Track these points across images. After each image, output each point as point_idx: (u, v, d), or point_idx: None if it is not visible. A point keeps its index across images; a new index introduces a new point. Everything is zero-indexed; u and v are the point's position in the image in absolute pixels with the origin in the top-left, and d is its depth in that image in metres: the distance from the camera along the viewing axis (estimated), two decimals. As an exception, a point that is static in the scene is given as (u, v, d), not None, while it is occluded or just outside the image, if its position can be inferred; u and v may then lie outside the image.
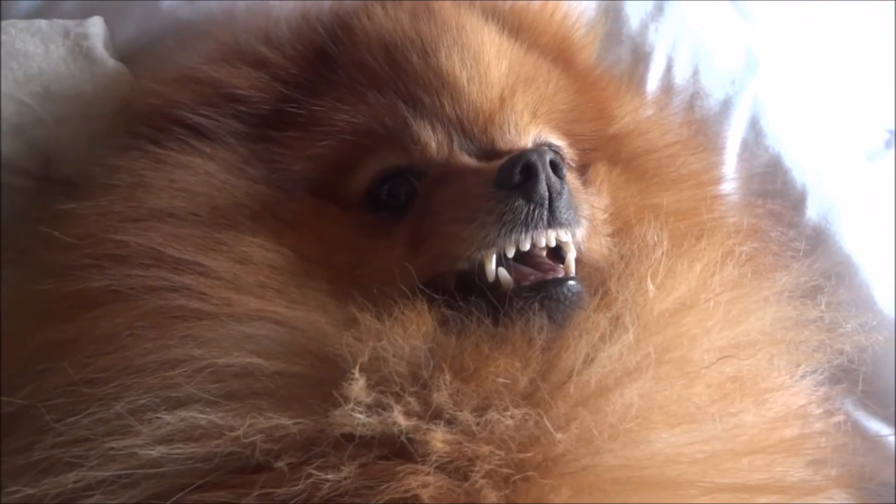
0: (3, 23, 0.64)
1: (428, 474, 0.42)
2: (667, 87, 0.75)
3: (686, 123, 0.72)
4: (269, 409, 0.43)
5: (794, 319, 0.57)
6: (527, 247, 0.48)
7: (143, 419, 0.44)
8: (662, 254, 0.52)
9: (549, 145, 0.57)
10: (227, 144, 0.55)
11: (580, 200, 0.52)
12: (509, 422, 0.43)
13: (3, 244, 0.59)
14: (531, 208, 0.48)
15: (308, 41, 0.60)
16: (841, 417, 0.61)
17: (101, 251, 0.50)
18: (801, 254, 0.70)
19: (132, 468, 0.43)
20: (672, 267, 0.51)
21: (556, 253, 0.50)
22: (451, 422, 0.43)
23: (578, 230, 0.51)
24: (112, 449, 0.43)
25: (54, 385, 0.47)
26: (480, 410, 0.43)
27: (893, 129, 1.01)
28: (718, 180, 0.71)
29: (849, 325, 0.59)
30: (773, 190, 0.74)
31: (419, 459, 0.42)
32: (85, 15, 0.66)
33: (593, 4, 0.75)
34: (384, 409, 0.43)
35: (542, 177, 0.48)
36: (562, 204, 0.49)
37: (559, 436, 0.43)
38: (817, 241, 0.73)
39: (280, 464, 0.42)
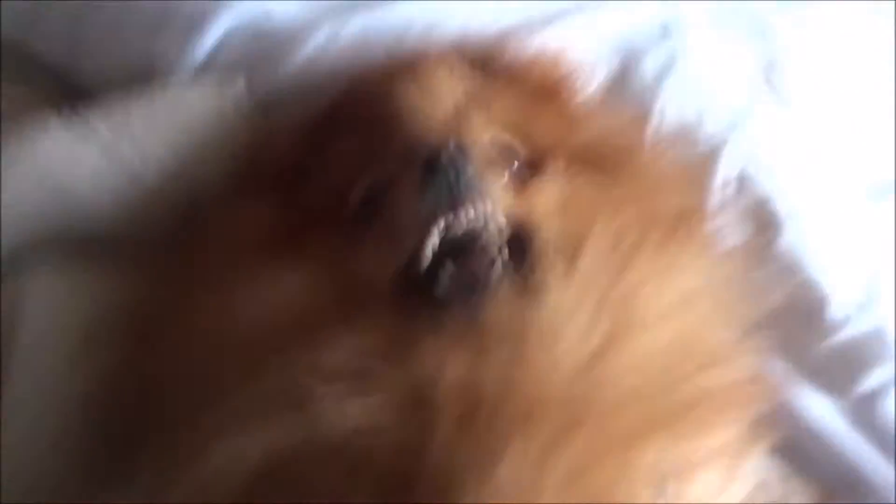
0: (176, 79, 0.89)
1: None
2: (661, 134, 0.90)
3: (678, 164, 0.87)
4: (279, 420, 0.52)
5: (730, 289, 0.66)
6: (449, 219, 0.57)
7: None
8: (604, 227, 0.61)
9: (499, 142, 0.67)
10: (268, 197, 0.71)
11: (493, 175, 0.61)
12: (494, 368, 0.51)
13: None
14: (439, 182, 0.57)
15: (327, 111, 0.77)
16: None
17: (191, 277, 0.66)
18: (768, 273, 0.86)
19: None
20: (609, 239, 0.61)
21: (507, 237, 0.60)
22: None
23: (494, 199, 0.59)
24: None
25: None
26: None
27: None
28: (682, 184, 0.82)
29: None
30: (754, 222, 0.87)
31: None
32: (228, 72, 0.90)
33: (607, 65, 0.93)
34: (351, 402, 0.50)
35: (443, 158, 0.58)
36: (467, 175, 0.58)
37: (532, 375, 0.51)
38: (785, 265, 0.86)
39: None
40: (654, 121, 0.92)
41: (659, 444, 0.52)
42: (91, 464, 0.60)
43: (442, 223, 0.57)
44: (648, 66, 0.95)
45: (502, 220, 0.60)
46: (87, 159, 0.84)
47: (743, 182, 0.91)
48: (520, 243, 0.60)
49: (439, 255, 0.57)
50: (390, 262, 0.59)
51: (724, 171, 0.91)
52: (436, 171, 0.58)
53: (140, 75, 0.92)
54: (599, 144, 0.77)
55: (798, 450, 0.76)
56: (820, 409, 0.82)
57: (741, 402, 0.60)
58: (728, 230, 0.89)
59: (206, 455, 0.52)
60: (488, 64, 0.80)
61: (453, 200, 0.58)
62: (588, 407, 0.52)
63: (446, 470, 0.48)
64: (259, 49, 0.91)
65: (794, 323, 0.83)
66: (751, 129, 0.94)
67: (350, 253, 0.61)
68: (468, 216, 0.58)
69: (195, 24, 0.91)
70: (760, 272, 0.84)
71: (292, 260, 0.62)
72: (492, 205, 0.59)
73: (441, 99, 0.69)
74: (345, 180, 0.65)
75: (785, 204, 0.90)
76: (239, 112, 0.87)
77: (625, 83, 0.95)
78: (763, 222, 0.90)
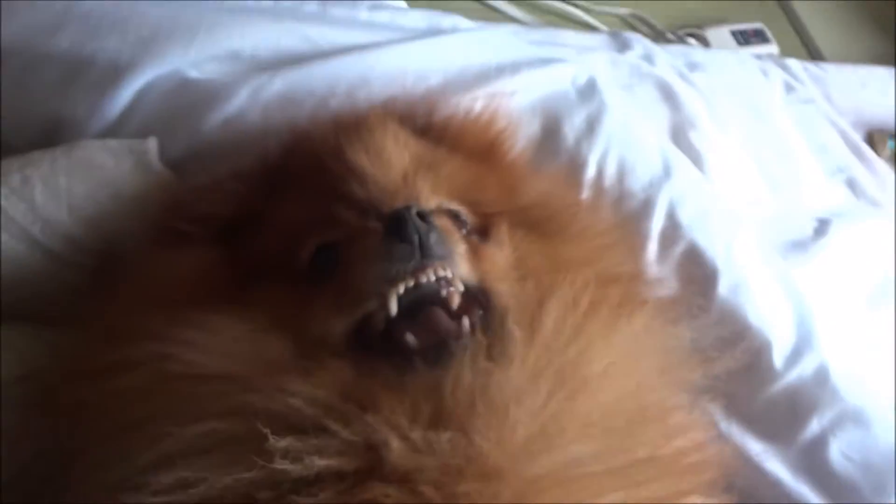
0: (83, 141, 0.84)
1: (388, 485, 0.49)
2: (598, 189, 0.92)
3: (615, 219, 0.88)
4: (229, 463, 0.51)
5: (672, 343, 0.67)
6: (412, 283, 0.58)
7: (149, 474, 0.51)
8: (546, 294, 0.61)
9: (448, 210, 0.68)
10: (203, 247, 0.71)
11: (451, 239, 0.62)
12: (444, 443, 0.50)
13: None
14: (405, 247, 0.58)
15: (263, 162, 0.77)
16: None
17: (114, 333, 0.63)
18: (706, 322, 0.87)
19: None
20: (557, 306, 0.61)
21: (467, 303, 0.61)
22: (403, 438, 0.51)
23: (454, 263, 0.60)
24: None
25: (89, 437, 0.57)
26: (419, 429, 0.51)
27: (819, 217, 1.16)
28: (623, 237, 0.82)
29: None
30: (691, 270, 0.89)
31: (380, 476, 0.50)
32: (145, 135, 0.85)
33: (535, 125, 0.94)
34: (302, 456, 0.50)
35: (409, 222, 0.58)
36: (431, 241, 0.58)
37: (485, 446, 0.50)
38: (724, 313, 0.87)
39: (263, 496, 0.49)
40: (585, 178, 0.93)
41: None
42: None
43: (405, 284, 0.58)
44: (572, 127, 0.97)
45: (462, 285, 0.61)
46: None
47: (676, 232, 0.92)
48: (478, 307, 0.61)
49: (400, 316, 0.58)
50: (346, 319, 0.59)
51: (658, 223, 0.92)
52: (401, 233, 0.59)
53: (46, 134, 0.87)
54: (539, 207, 0.78)
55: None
56: (766, 460, 0.82)
57: (693, 468, 0.59)
58: (665, 282, 0.89)
59: (142, 484, 0.51)
60: (426, 125, 0.81)
61: (418, 262, 0.59)
62: (539, 480, 0.51)
63: None
64: (176, 107, 0.88)
65: (737, 372, 0.83)
66: (677, 183, 0.95)
67: (301, 308, 0.61)
68: (431, 278, 0.59)
69: (109, 80, 0.86)
70: (700, 323, 0.85)
71: (237, 310, 0.61)
72: (454, 268, 0.60)
73: (389, 161, 0.69)
74: (292, 237, 0.66)
75: (717, 253, 0.92)
76: (150, 172, 0.82)
77: (549, 143, 0.96)
78: (699, 273, 0.91)
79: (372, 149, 0.70)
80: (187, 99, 0.87)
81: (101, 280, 0.75)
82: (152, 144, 0.84)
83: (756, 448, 0.83)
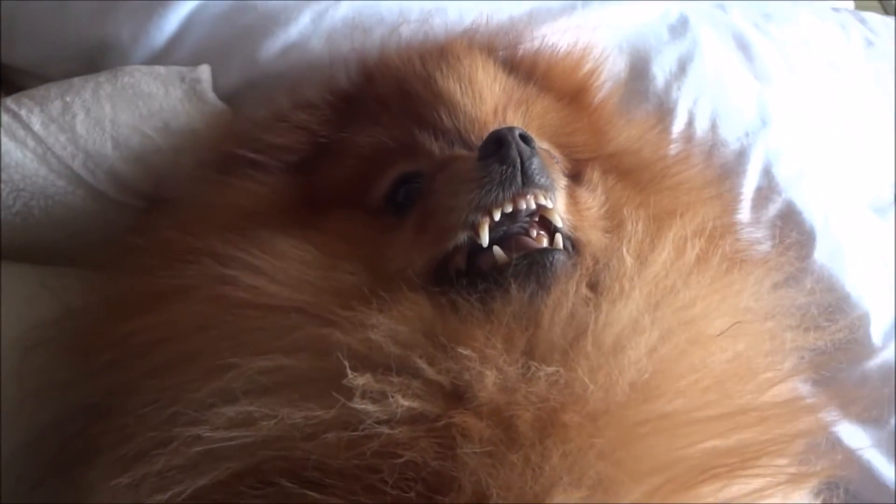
0: (129, 67, 0.75)
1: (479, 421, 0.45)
2: (689, 138, 0.83)
3: (707, 168, 0.80)
4: (300, 400, 0.47)
5: (783, 304, 0.61)
6: (509, 208, 0.53)
7: (206, 409, 0.48)
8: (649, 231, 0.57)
9: (541, 147, 0.62)
10: (272, 175, 0.65)
11: (553, 170, 0.57)
12: (545, 378, 0.46)
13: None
14: (505, 169, 0.53)
15: (334, 90, 0.70)
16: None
17: (171, 254, 0.57)
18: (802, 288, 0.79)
19: (199, 454, 0.47)
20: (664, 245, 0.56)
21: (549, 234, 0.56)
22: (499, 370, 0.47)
23: (555, 196, 0.55)
24: (185, 437, 0.47)
25: (138, 375, 0.53)
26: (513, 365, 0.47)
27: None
28: (719, 194, 0.75)
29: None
30: (788, 231, 0.79)
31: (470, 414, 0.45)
32: (196, 63, 0.76)
33: (622, 64, 0.84)
34: (385, 396, 0.46)
35: (513, 144, 0.53)
36: (534, 166, 0.53)
37: (591, 387, 0.46)
38: (822, 279, 0.79)
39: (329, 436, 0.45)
40: (678, 125, 0.84)
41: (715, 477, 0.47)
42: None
43: (503, 209, 0.53)
44: (661, 67, 0.87)
45: (562, 219, 0.56)
46: (18, 161, 0.69)
47: (772, 189, 0.83)
48: (577, 247, 0.57)
49: (495, 243, 0.53)
50: (430, 252, 0.55)
51: (753, 179, 0.83)
52: (502, 155, 0.53)
53: (86, 64, 0.77)
54: (630, 154, 0.72)
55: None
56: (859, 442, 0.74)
57: (793, 429, 0.54)
58: (761, 241, 0.81)
59: (200, 418, 0.47)
60: (513, 59, 0.74)
61: (518, 188, 0.53)
62: (640, 426, 0.47)
63: (480, 479, 0.43)
64: (230, 32, 0.78)
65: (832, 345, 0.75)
66: (774, 135, 0.85)
67: (378, 239, 0.58)
68: (531, 206, 0.54)
69: (155, 4, 0.77)
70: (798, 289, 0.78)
71: (308, 235, 0.58)
72: (555, 201, 0.56)
73: (481, 93, 0.65)
74: (370, 166, 0.63)
75: (815, 216, 0.83)
76: (204, 103, 0.73)
77: (637, 85, 0.86)
78: (795, 236, 0.82)
79: (463, 78, 0.65)
80: (243, 23, 0.78)
81: (150, 222, 0.67)
82: (206, 72, 0.75)
83: (848, 429, 0.75)
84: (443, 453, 0.44)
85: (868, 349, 0.78)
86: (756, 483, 0.49)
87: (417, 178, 0.60)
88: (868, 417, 0.76)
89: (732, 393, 0.51)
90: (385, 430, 0.45)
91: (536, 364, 0.47)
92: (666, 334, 0.51)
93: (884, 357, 0.78)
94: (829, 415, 0.73)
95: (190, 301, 0.54)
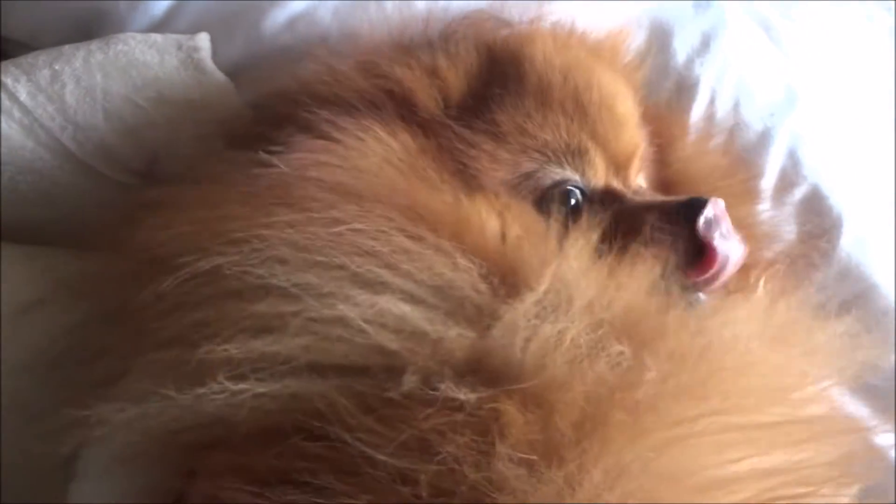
0: (122, 35, 0.69)
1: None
2: (709, 118, 0.77)
3: (722, 151, 0.75)
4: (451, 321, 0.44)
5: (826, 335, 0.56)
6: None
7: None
8: None
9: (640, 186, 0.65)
10: (408, 130, 0.58)
11: None
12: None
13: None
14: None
15: (480, 60, 0.63)
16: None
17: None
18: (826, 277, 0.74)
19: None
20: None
21: None
22: None
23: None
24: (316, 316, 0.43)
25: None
26: None
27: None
28: (756, 200, 0.73)
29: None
30: (812, 218, 0.75)
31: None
32: (193, 32, 0.71)
33: (642, 37, 0.79)
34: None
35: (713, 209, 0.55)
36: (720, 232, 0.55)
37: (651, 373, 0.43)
38: (848, 268, 0.74)
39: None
40: (699, 103, 0.78)
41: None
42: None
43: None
44: (683, 42, 0.80)
45: None
46: (4, 133, 0.64)
47: (797, 172, 0.77)
48: None
49: None
50: None
51: (777, 160, 0.77)
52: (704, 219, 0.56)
53: (81, 33, 0.72)
54: (682, 171, 0.70)
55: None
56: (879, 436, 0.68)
57: (832, 438, 0.51)
58: (785, 227, 0.75)
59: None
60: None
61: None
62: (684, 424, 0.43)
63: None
64: (234, 2, 0.72)
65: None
66: (801, 115, 0.79)
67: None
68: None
69: (152, -28, 0.71)
70: (820, 278, 0.73)
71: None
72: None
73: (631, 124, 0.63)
74: (528, 160, 0.59)
75: (842, 201, 0.77)
76: (202, 72, 0.67)
77: (656, 60, 0.79)
78: (820, 221, 0.76)
79: (626, 101, 0.63)
80: (244, -6, 0.72)
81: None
82: (205, 41, 0.69)
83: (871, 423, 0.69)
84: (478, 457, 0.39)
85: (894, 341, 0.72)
86: None
87: (575, 190, 0.59)
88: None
89: (781, 400, 0.49)
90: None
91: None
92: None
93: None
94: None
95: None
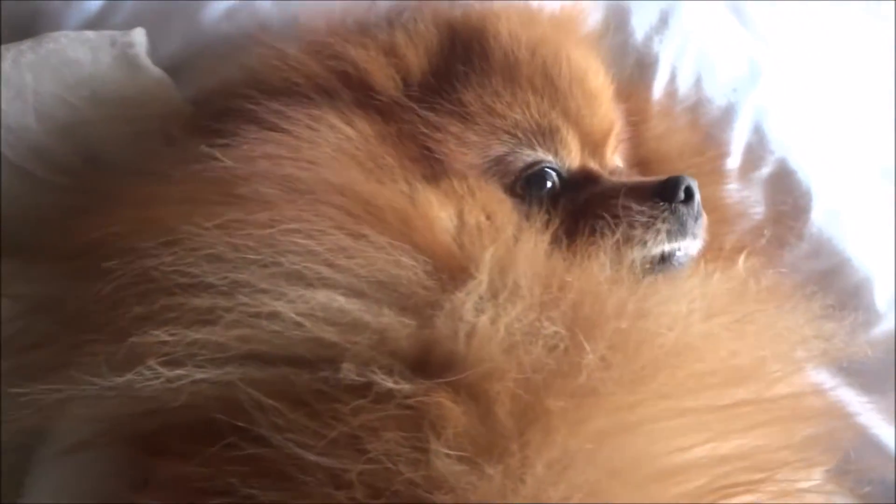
0: (55, 34, 0.67)
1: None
2: (671, 95, 0.75)
3: (691, 128, 0.73)
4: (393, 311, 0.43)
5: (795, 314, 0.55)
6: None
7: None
8: None
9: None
10: (366, 117, 0.56)
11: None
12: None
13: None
14: (690, 220, 0.55)
15: (441, 37, 0.60)
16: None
17: None
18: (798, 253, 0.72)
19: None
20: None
21: None
22: None
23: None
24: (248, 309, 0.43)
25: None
26: None
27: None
28: (725, 179, 0.71)
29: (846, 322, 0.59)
30: (782, 193, 0.74)
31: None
32: (130, 28, 0.68)
33: (598, 16, 0.76)
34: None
35: (697, 198, 0.55)
36: (698, 222, 0.56)
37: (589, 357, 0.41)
38: (820, 243, 0.72)
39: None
40: (659, 80, 0.75)
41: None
42: None
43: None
44: (641, 20, 0.78)
45: None
46: None
47: (763, 148, 0.75)
48: None
49: None
50: None
51: (742, 136, 0.75)
52: (692, 202, 0.56)
53: (15, 33, 0.68)
54: (653, 150, 0.70)
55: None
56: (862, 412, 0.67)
57: (796, 420, 0.49)
58: (754, 202, 0.73)
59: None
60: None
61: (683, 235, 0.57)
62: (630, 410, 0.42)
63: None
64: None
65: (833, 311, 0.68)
66: (766, 89, 0.77)
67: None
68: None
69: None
70: (792, 255, 0.72)
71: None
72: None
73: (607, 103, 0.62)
74: (498, 142, 0.57)
75: (812, 175, 0.75)
76: (137, 69, 0.65)
77: (614, 39, 0.77)
78: (790, 197, 0.74)
79: (598, 78, 0.62)
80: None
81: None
82: (139, 35, 0.66)
83: (849, 395, 0.68)
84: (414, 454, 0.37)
85: (872, 315, 0.71)
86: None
87: (550, 172, 0.57)
88: (871, 386, 0.68)
89: (738, 382, 0.47)
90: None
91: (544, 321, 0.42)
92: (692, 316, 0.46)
93: (888, 324, 0.71)
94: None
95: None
